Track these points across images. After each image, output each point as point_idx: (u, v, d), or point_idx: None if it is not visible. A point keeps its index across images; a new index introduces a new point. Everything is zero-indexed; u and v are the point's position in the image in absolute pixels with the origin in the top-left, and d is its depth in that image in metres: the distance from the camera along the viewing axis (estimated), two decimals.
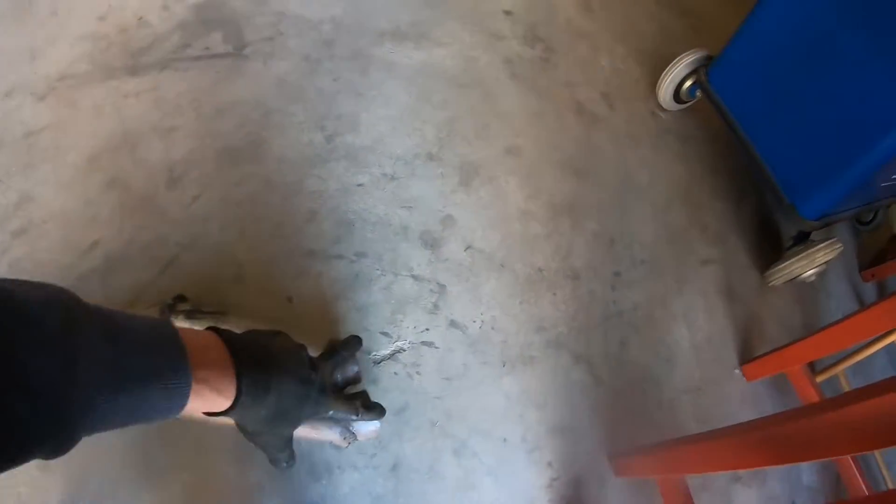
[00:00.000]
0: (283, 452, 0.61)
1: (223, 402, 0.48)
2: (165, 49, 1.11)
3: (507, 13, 1.34)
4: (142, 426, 0.43)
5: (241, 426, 0.56)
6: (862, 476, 0.89)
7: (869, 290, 1.40)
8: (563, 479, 0.82)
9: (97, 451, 0.73)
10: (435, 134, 1.04)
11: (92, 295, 0.83)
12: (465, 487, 0.77)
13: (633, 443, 0.88)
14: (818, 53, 0.98)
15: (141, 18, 1.16)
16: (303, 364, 0.59)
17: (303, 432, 0.71)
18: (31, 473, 0.75)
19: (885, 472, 1.02)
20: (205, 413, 0.50)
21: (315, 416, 0.62)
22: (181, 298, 0.79)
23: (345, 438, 0.71)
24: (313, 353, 0.72)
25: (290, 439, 0.60)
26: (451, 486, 0.77)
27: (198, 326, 0.75)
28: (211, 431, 0.74)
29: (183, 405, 0.44)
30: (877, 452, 1.04)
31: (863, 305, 1.32)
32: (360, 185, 0.95)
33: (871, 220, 1.46)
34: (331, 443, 0.72)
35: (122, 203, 0.92)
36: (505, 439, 0.81)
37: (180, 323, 0.75)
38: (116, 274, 0.86)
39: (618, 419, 0.89)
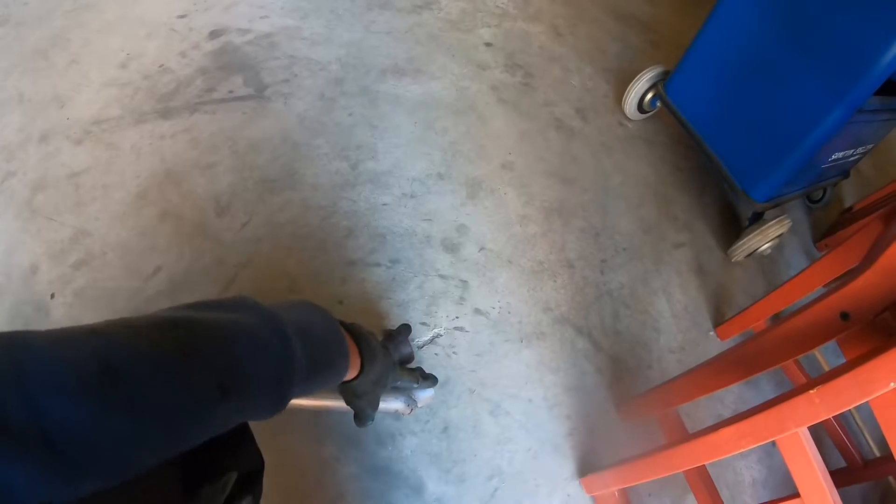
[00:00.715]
0: (375, 410, 0.81)
1: (354, 372, 0.69)
2: (191, 93, 1.32)
3: (488, 45, 1.60)
4: None
5: (352, 391, 0.76)
6: (804, 373, 1.15)
7: None
8: (581, 427, 1.04)
9: None
10: (441, 156, 1.28)
11: None
12: (504, 441, 0.98)
13: (631, 395, 1.11)
14: (757, 64, 1.24)
15: (162, 66, 1.37)
16: (382, 343, 0.80)
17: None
18: None
19: (823, 362, 1.29)
20: (342, 382, 0.70)
21: (393, 381, 0.83)
22: None
23: (408, 405, 0.92)
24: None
25: (380, 399, 0.81)
26: (492, 441, 0.98)
27: None
28: (285, 417, 0.94)
29: (344, 377, 0.65)
30: (815, 352, 1.31)
31: None
32: (385, 204, 1.17)
33: (821, 199, 1.75)
34: (396, 411, 0.92)
35: (178, 232, 1.11)
36: (530, 399, 1.03)
37: None
38: (182, 294, 1.05)
39: (618, 377, 1.12)
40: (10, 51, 1.42)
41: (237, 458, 0.57)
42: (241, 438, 0.59)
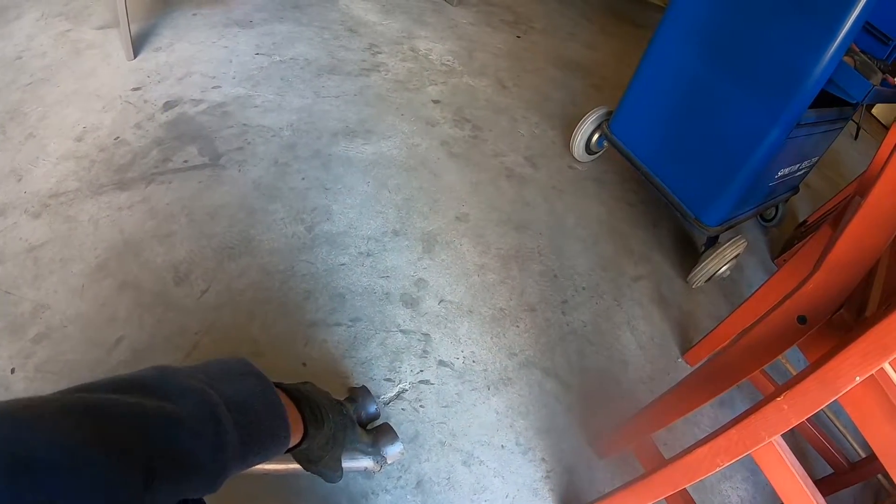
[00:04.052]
0: (337, 472, 0.86)
1: (297, 437, 0.74)
2: (147, 164, 1.41)
3: (436, 102, 1.74)
4: None
5: (305, 457, 0.81)
6: (773, 382, 1.22)
7: None
8: (557, 469, 1.09)
9: None
10: (396, 213, 1.38)
11: None
12: (479, 490, 1.03)
13: (605, 430, 1.17)
14: (693, 93, 1.39)
15: (117, 138, 1.46)
16: (335, 402, 0.86)
17: (343, 464, 0.96)
18: None
19: (792, 371, 1.38)
20: (287, 450, 0.75)
21: (354, 441, 0.88)
22: None
23: (377, 462, 0.96)
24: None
25: (340, 459, 0.86)
26: (468, 491, 1.02)
27: None
28: (253, 483, 0.97)
29: (287, 447, 0.69)
30: (784, 362, 1.40)
31: None
32: (342, 264, 1.25)
33: (774, 217, 1.90)
34: (366, 469, 0.96)
35: (138, 302, 1.17)
36: (503, 446, 1.08)
37: None
38: (145, 364, 1.08)
39: (590, 414, 1.19)
40: None
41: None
42: None
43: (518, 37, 2.24)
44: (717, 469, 0.76)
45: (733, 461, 0.74)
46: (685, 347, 1.39)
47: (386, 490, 1.00)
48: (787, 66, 1.22)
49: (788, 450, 0.75)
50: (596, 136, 1.71)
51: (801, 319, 0.76)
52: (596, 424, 1.18)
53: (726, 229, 1.50)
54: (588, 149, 1.72)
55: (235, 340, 1.12)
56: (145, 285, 1.17)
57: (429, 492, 1.01)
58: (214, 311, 1.15)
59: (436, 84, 1.81)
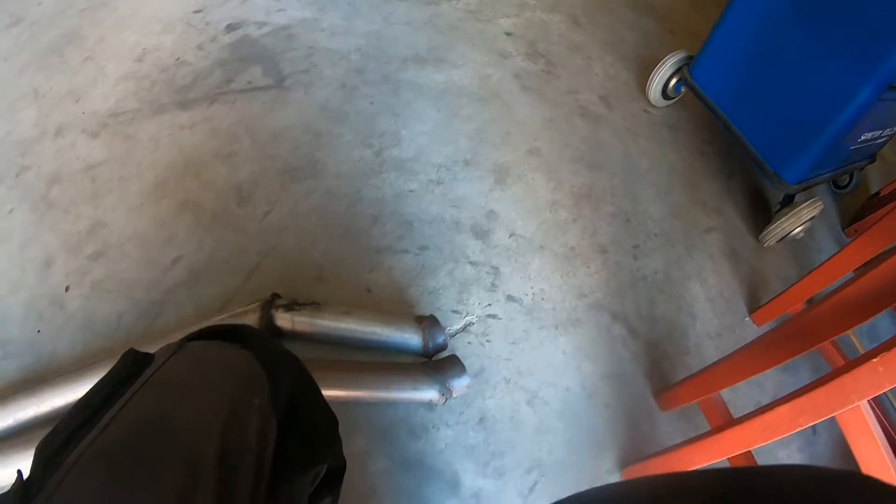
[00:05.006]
0: None
1: None
2: (209, 84, 1.27)
3: (508, 34, 1.54)
4: None
5: None
6: (843, 355, 1.08)
7: None
8: (620, 417, 0.97)
9: None
10: (467, 143, 1.22)
11: (182, 305, 0.98)
12: (542, 431, 0.92)
13: (670, 382, 1.04)
14: (784, 43, 1.17)
15: (179, 59, 1.32)
16: None
17: (405, 394, 0.85)
18: None
19: (857, 344, 1.21)
20: None
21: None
22: (276, 296, 0.93)
23: (442, 395, 0.85)
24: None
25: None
26: (530, 432, 0.91)
27: (297, 318, 0.89)
28: None
29: None
30: (850, 333, 1.23)
31: None
32: (411, 190, 1.11)
33: (848, 184, 1.67)
34: (430, 401, 0.86)
35: (197, 222, 1.06)
36: (568, 388, 0.96)
37: (280, 316, 0.89)
38: (203, 285, 0.99)
39: (655, 364, 1.05)
40: (24, 49, 1.38)
41: (332, 452, 0.50)
42: (335, 433, 0.52)
43: None
44: (798, 429, 0.66)
45: (816, 422, 0.63)
46: (753, 306, 1.23)
47: (447, 424, 0.89)
48: (887, 23, 1.00)
49: (874, 416, 0.63)
50: (674, 81, 1.49)
51: None
52: (661, 375, 1.04)
53: (803, 189, 1.30)
54: (664, 94, 1.51)
55: (299, 264, 1.01)
56: (206, 205, 1.06)
57: (491, 429, 0.90)
58: (277, 234, 1.03)
59: (508, 17, 1.60)
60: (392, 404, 0.87)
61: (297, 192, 1.08)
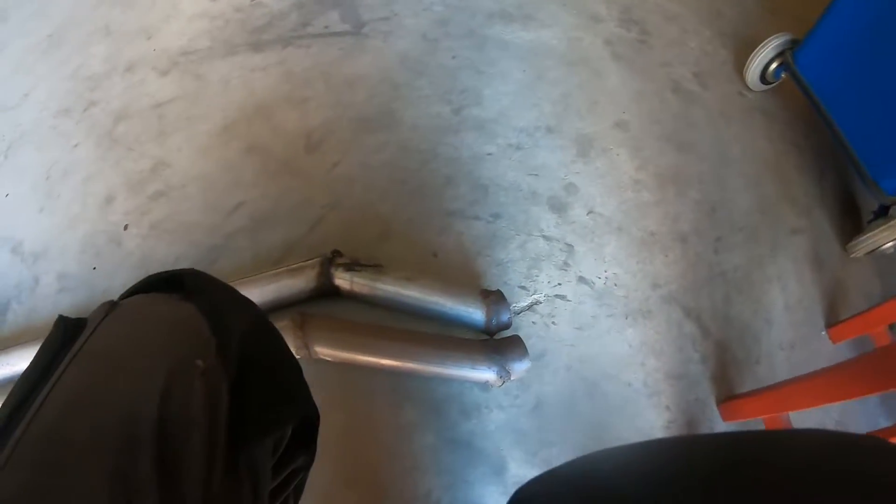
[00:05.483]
0: None
1: None
2: (285, 27, 1.10)
3: None
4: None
5: None
6: None
7: None
8: (679, 422, 0.82)
9: None
10: (551, 108, 1.02)
11: (241, 251, 0.86)
12: (598, 426, 0.78)
13: (735, 390, 0.87)
14: None
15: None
16: None
17: (462, 371, 0.72)
18: None
19: None
20: None
21: None
22: (338, 253, 0.80)
23: (500, 377, 0.72)
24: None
25: None
26: (585, 425, 0.77)
27: (357, 279, 0.76)
28: (364, 378, 0.77)
29: None
30: None
31: None
32: (489, 153, 0.94)
33: None
34: (486, 381, 0.73)
35: (264, 168, 0.93)
36: (629, 384, 0.81)
37: (340, 275, 0.77)
38: (264, 232, 0.87)
39: (723, 369, 0.88)
40: None
41: (297, 407, 0.39)
42: (300, 385, 0.41)
43: None
44: None
45: None
46: (831, 320, 1.02)
47: (501, 407, 0.76)
48: None
49: None
50: (774, 66, 1.22)
51: None
52: (727, 382, 0.87)
53: None
54: (763, 78, 1.24)
55: (365, 219, 0.87)
56: (274, 151, 0.92)
57: (545, 416, 0.76)
58: (345, 186, 0.89)
59: None
60: (446, 380, 0.75)
61: (369, 143, 0.93)
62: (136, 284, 0.37)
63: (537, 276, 0.84)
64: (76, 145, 1.01)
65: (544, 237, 0.88)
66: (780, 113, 1.26)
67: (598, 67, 1.12)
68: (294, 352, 0.70)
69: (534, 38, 1.13)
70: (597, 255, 0.88)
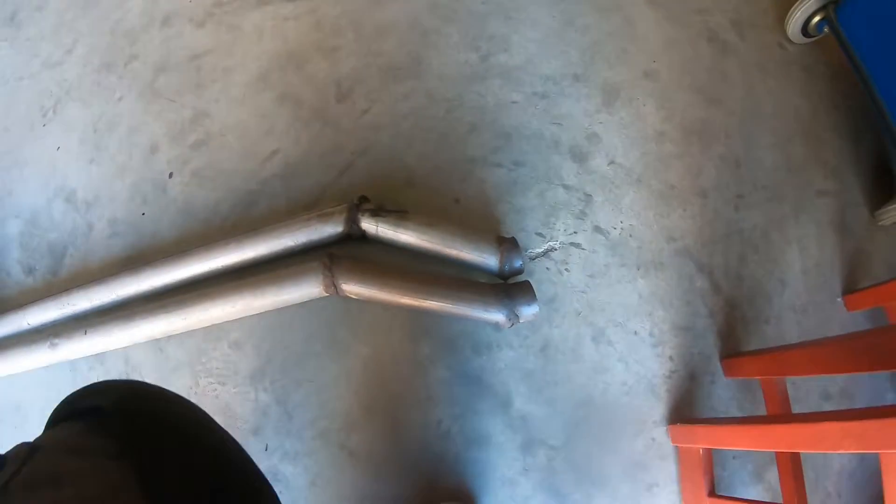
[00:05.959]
0: None
1: None
2: None
3: None
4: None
5: None
6: None
7: None
8: (681, 372, 0.77)
9: (284, 325, 0.74)
10: (579, 56, 0.90)
11: (276, 196, 0.81)
12: (601, 370, 0.73)
13: (741, 348, 0.81)
14: None
15: None
16: None
17: (474, 312, 0.68)
18: (223, 350, 0.77)
19: None
20: None
21: None
22: (364, 199, 0.75)
23: (509, 319, 0.68)
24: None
25: None
26: (588, 368, 0.73)
27: (382, 225, 0.71)
28: (386, 314, 0.73)
29: None
30: None
31: None
32: (514, 101, 0.84)
33: None
34: (497, 322, 0.69)
35: (296, 116, 0.86)
36: (636, 332, 0.76)
37: (366, 220, 0.72)
38: (297, 178, 0.82)
39: (730, 326, 0.81)
40: None
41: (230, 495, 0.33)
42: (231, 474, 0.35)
43: None
44: (843, 451, 0.55)
45: (861, 451, 0.51)
46: (849, 288, 0.91)
47: (510, 346, 0.72)
48: None
49: None
50: (817, 19, 1.03)
51: None
52: (733, 339, 0.80)
53: None
54: (805, 31, 1.06)
55: (391, 166, 0.80)
56: (305, 99, 0.84)
57: (551, 358, 0.72)
58: (373, 133, 0.81)
59: None
60: (461, 319, 0.71)
61: (398, 91, 0.84)
62: (61, 409, 0.32)
63: (554, 223, 0.77)
64: (120, 98, 0.96)
65: (564, 186, 0.79)
66: (821, 69, 1.08)
67: (631, 14, 0.97)
68: (323, 290, 0.67)
69: None
70: (614, 205, 0.80)
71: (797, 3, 1.02)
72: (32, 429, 0.62)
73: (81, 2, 1.14)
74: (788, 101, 1.01)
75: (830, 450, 0.49)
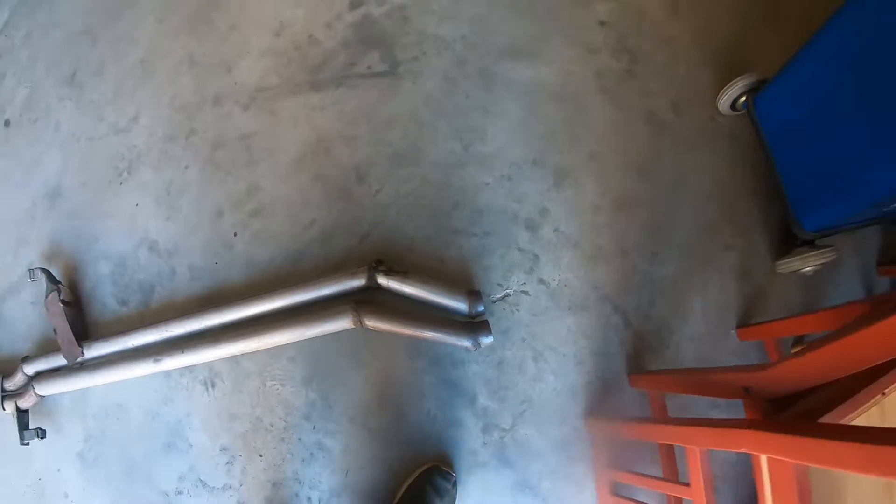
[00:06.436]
0: None
1: None
2: (336, 67, 1.60)
3: (602, 23, 1.70)
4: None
5: None
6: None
7: (883, 284, 1.66)
8: (597, 383, 1.40)
9: (325, 346, 1.39)
10: (538, 143, 1.52)
11: (315, 255, 1.48)
12: (538, 379, 1.37)
13: (644, 368, 1.44)
14: (834, 111, 1.30)
15: (310, 36, 1.64)
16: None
17: (452, 340, 1.32)
18: (282, 363, 1.42)
19: None
20: None
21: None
22: (379, 262, 1.39)
23: (473, 345, 1.31)
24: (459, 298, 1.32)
25: None
26: (530, 378, 1.37)
27: (392, 281, 1.35)
28: (393, 340, 1.37)
29: None
30: None
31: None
32: (487, 183, 1.47)
33: None
34: (466, 347, 1.33)
35: (327, 193, 1.49)
36: (564, 354, 1.40)
37: (381, 277, 1.35)
38: (330, 243, 1.46)
39: (638, 352, 1.44)
40: (175, 11, 1.74)
41: None
42: None
43: None
44: (702, 448, 0.96)
45: (714, 448, 0.94)
46: (743, 322, 1.51)
47: (476, 362, 1.36)
48: None
49: (707, 460, 0.99)
50: (742, 99, 1.62)
51: (746, 390, 0.92)
52: (639, 361, 1.42)
53: (821, 237, 1.46)
54: (733, 107, 1.66)
55: (396, 235, 1.43)
56: (333, 180, 1.47)
57: (504, 371, 1.37)
58: (383, 209, 1.44)
59: (605, 0, 1.74)
60: (443, 344, 1.36)
61: (401, 175, 1.47)
62: None
63: (510, 277, 1.41)
64: (186, 168, 1.59)
65: (519, 249, 1.43)
66: (747, 137, 1.69)
67: (584, 102, 1.59)
68: (352, 324, 1.31)
69: (534, 75, 1.59)
70: (555, 263, 1.43)
71: (727, 86, 1.62)
72: (133, 422, 1.33)
73: (138, 73, 1.76)
74: (713, 168, 1.62)
75: (696, 446, 1.01)
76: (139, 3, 1.84)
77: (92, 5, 1.92)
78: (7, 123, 1.89)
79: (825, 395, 0.92)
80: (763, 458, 0.87)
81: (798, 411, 0.91)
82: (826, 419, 0.88)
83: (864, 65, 1.21)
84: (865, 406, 0.91)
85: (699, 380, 1.15)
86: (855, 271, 1.71)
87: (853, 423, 0.90)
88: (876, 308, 1.13)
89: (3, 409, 1.55)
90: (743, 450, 0.85)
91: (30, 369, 1.55)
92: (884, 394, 0.92)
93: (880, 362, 0.76)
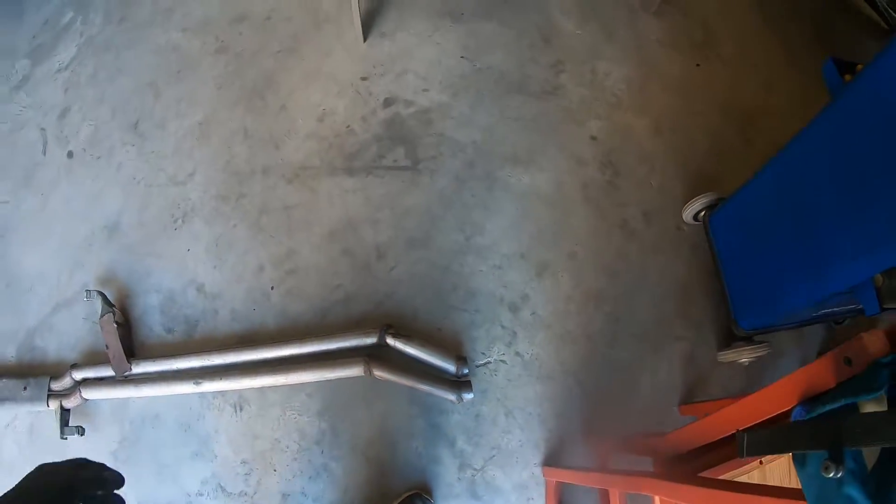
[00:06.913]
0: None
1: None
2: (368, 157, 2.46)
3: (593, 139, 2.58)
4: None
5: None
6: None
7: None
8: (555, 437, 2.21)
9: (338, 387, 2.23)
10: (527, 240, 2.38)
11: (338, 314, 2.41)
12: (507, 431, 2.19)
13: (595, 430, 2.26)
14: (770, 234, 2.18)
15: (349, 127, 2.51)
16: None
17: (440, 393, 2.16)
18: (301, 397, 2.25)
19: None
20: None
21: None
22: (390, 326, 2.24)
23: (457, 399, 2.14)
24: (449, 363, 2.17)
25: None
26: (500, 430, 2.17)
27: (398, 342, 2.19)
28: (394, 388, 2.21)
29: None
30: None
31: None
32: (481, 270, 2.32)
33: (843, 322, 2.64)
34: (451, 400, 2.15)
35: (352, 265, 2.33)
36: (531, 413, 2.21)
37: (389, 338, 2.20)
38: (351, 305, 2.30)
39: (592, 416, 2.26)
40: (233, 83, 2.60)
41: None
42: None
43: (697, 65, 2.69)
44: (621, 490, 1.82)
45: (627, 492, 1.81)
46: (686, 400, 2.35)
47: (458, 412, 2.18)
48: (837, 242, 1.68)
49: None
50: (703, 213, 2.47)
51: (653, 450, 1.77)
52: (593, 423, 2.26)
53: (756, 335, 2.22)
54: (696, 219, 2.51)
55: (404, 305, 2.27)
56: (358, 255, 2.32)
57: (481, 422, 2.19)
58: (396, 284, 2.29)
59: (599, 118, 2.58)
60: (433, 395, 2.19)
61: (413, 257, 2.32)
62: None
63: (492, 347, 2.25)
64: (234, 226, 2.45)
65: (501, 326, 2.27)
66: (705, 245, 2.57)
67: (570, 208, 2.45)
68: (363, 372, 2.15)
69: (530, 182, 2.46)
70: (530, 341, 2.27)
71: (691, 201, 2.50)
72: (167, 431, 2.23)
73: (197, 132, 2.63)
74: (674, 270, 2.48)
75: (616, 489, 1.88)
76: (200, 68, 2.71)
77: (156, 60, 2.76)
78: (70, 155, 2.66)
79: (722, 454, 1.74)
80: (657, 499, 1.68)
81: (692, 466, 1.73)
82: (706, 473, 1.69)
83: (793, 199, 1.98)
84: (747, 468, 1.72)
85: (626, 442, 1.99)
86: (795, 361, 2.53)
87: (737, 479, 1.70)
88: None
89: (48, 405, 2.32)
90: (644, 492, 1.65)
91: (78, 375, 2.32)
92: (761, 462, 1.73)
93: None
